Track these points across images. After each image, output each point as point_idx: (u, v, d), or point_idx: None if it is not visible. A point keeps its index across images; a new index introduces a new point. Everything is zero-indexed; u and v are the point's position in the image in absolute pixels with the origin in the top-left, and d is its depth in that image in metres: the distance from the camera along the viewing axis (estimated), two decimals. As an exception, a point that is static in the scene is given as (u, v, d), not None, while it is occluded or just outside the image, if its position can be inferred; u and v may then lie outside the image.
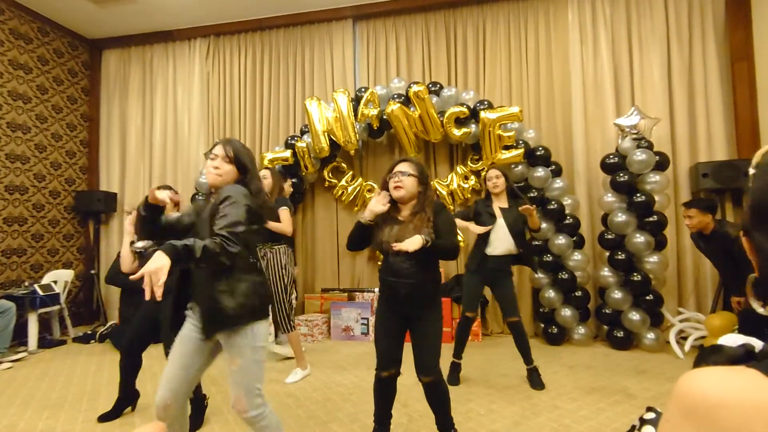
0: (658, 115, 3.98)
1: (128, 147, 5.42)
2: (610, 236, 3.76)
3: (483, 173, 3.00)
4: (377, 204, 1.89)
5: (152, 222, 1.54)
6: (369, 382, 2.57)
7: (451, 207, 4.47)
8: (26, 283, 4.39)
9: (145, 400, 2.67)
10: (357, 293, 4.49)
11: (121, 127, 5.48)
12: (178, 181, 5.09)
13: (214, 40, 5.24)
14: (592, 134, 4.27)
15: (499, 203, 2.92)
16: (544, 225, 3.87)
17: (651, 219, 3.63)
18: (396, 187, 1.90)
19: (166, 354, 1.58)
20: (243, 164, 1.58)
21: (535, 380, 2.84)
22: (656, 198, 3.62)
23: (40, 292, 4.17)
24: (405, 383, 2.71)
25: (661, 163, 3.69)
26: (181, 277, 1.57)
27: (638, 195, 3.62)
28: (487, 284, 2.97)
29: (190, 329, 1.54)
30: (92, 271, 5.16)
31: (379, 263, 2.17)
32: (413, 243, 1.73)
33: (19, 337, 3.98)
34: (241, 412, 1.48)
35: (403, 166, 1.93)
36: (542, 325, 3.99)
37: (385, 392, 1.99)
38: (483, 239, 2.86)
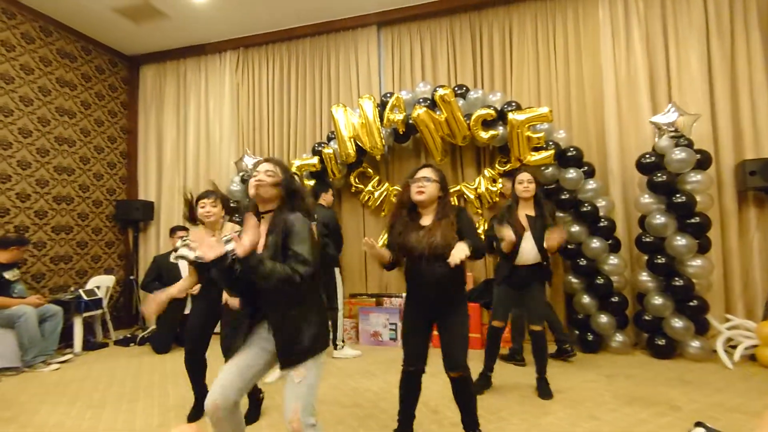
0: (698, 112, 3.79)
1: (164, 157, 5.64)
2: (648, 239, 3.60)
3: (516, 174, 2.92)
4: (375, 253, 1.94)
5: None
6: (398, 388, 2.55)
7: (479, 210, 4.41)
8: (72, 289, 4.64)
9: (175, 401, 2.74)
10: (385, 298, 4.48)
11: (158, 138, 5.72)
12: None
13: (243, 51, 5.40)
14: (627, 133, 4.11)
15: (526, 210, 2.85)
16: (576, 228, 3.75)
17: (693, 221, 3.45)
18: (419, 192, 1.96)
19: (226, 359, 1.61)
20: (290, 184, 1.61)
21: (544, 389, 2.75)
22: (698, 198, 3.44)
23: (85, 297, 4.39)
24: (435, 388, 2.68)
25: (703, 162, 3.51)
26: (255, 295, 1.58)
27: (678, 195, 3.45)
28: (518, 293, 2.88)
29: (257, 336, 1.57)
30: (131, 277, 5.39)
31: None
32: (463, 251, 1.78)
33: (66, 339, 4.19)
34: (297, 429, 1.45)
35: (426, 172, 2.00)
36: (577, 332, 3.85)
37: (410, 386, 2.05)
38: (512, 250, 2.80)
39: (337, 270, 3.92)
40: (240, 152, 5.16)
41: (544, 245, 2.75)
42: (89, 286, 4.73)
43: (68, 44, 5.00)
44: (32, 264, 4.54)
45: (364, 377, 3.24)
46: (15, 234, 4.28)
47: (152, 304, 2.08)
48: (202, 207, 2.43)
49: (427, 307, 1.99)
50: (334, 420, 2.48)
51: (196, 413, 2.53)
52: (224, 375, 1.50)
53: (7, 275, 3.81)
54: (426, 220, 1.98)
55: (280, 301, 1.50)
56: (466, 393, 1.99)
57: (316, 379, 1.52)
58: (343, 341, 3.89)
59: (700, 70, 3.92)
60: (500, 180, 4.20)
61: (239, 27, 5.13)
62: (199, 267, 2.39)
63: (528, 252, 2.77)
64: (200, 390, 2.54)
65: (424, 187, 1.96)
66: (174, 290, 2.26)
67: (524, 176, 2.85)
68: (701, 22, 3.97)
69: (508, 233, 2.67)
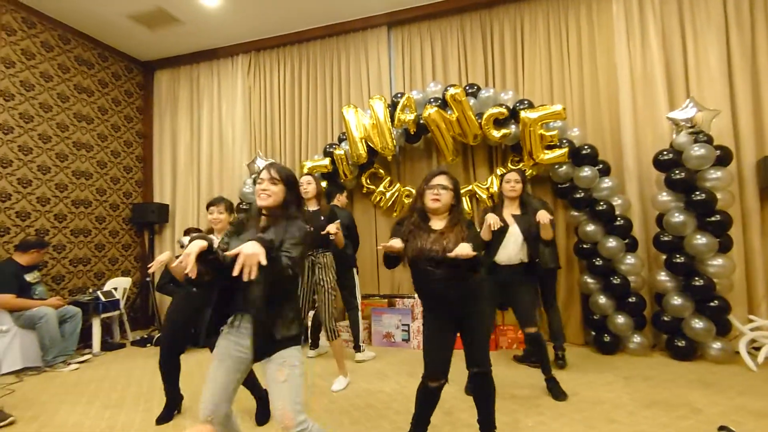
0: (718, 107, 3.69)
1: (178, 160, 5.73)
2: (666, 238, 3.51)
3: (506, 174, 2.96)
4: (389, 247, 1.90)
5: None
6: (411, 389, 2.54)
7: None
8: (90, 290, 4.73)
9: (189, 401, 2.77)
10: (397, 299, 4.46)
11: (172, 142, 5.80)
12: (224, 191, 5.31)
13: (255, 55, 5.45)
14: (643, 130, 4.02)
15: (512, 210, 2.86)
16: (592, 227, 3.69)
17: (713, 219, 3.35)
18: (434, 200, 1.96)
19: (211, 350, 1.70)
20: (291, 184, 1.67)
21: (556, 390, 2.70)
22: (718, 196, 3.35)
23: (103, 298, 4.48)
24: (448, 389, 2.65)
25: (723, 158, 3.41)
26: (223, 292, 1.61)
27: (697, 193, 3.36)
28: (501, 293, 2.80)
29: (228, 347, 1.60)
30: (147, 279, 5.48)
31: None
32: (466, 248, 1.75)
33: (84, 340, 4.28)
34: (288, 426, 1.49)
35: (442, 179, 1.99)
36: (593, 333, 3.78)
37: (429, 401, 2.02)
38: (493, 247, 2.77)
39: (354, 270, 3.93)
40: (252, 154, 5.21)
41: (542, 235, 2.74)
42: (107, 287, 4.83)
43: (85, 51, 5.11)
44: (52, 266, 4.65)
45: (377, 378, 3.23)
46: (35, 237, 4.38)
47: (156, 263, 2.15)
48: (211, 214, 2.54)
49: (447, 313, 1.94)
50: (348, 421, 2.48)
51: (166, 415, 2.59)
52: (210, 390, 1.56)
53: (28, 278, 3.91)
54: (437, 225, 1.97)
55: (260, 296, 1.53)
56: (487, 389, 1.98)
57: (300, 378, 1.56)
58: (363, 343, 3.88)
59: (719, 64, 3.82)
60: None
61: (250, 31, 5.18)
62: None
63: (510, 250, 2.75)
64: (173, 392, 2.60)
65: (440, 195, 1.96)
66: (165, 257, 2.27)
67: (512, 176, 2.89)
68: (720, 15, 3.87)
69: (492, 216, 2.67)
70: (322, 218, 3.14)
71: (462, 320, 1.95)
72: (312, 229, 1.64)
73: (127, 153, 5.61)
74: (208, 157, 5.56)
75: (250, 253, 1.31)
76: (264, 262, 1.31)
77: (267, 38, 5.31)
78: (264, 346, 1.56)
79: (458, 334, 1.97)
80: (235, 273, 1.31)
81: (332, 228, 3.02)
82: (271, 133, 5.33)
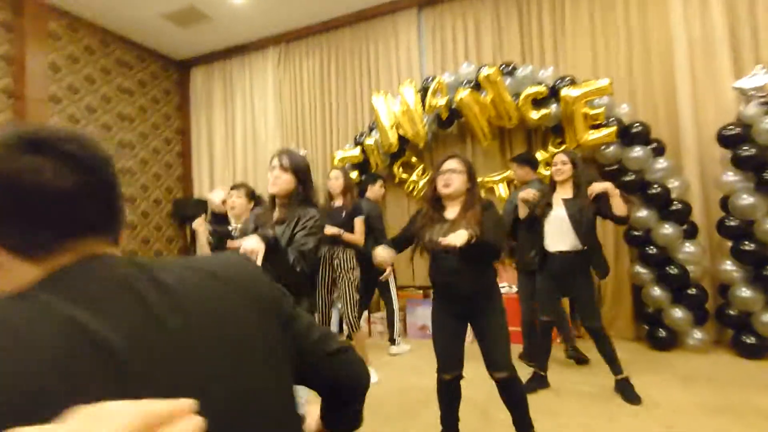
0: (795, 72, 3.22)
1: (215, 155, 5.86)
2: (732, 223, 3.15)
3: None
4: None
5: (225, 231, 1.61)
6: None
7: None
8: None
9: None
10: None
11: (208, 137, 5.94)
12: (258, 183, 5.35)
13: (284, 47, 5.42)
14: (704, 102, 3.61)
15: (563, 193, 2.64)
16: (644, 213, 3.37)
17: (790, 200, 2.96)
18: (445, 185, 1.86)
19: None
20: (300, 171, 1.65)
21: (628, 392, 2.47)
22: (796, 174, 2.94)
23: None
24: (484, 388, 2.52)
25: (802, 131, 2.98)
26: None
27: (770, 171, 2.97)
28: (558, 286, 2.64)
29: None
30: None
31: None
32: (459, 237, 1.63)
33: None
34: None
35: (452, 163, 1.89)
36: (646, 328, 3.48)
37: (448, 395, 1.95)
38: (539, 234, 2.62)
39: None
40: (284, 146, 5.21)
41: (615, 211, 2.49)
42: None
43: (125, 54, 5.29)
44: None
45: (411, 373, 3.15)
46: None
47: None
48: (230, 197, 2.65)
49: (457, 306, 1.86)
50: (382, 418, 2.41)
51: None
52: None
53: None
54: (451, 213, 1.87)
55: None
56: (515, 394, 1.86)
57: None
58: (399, 336, 3.80)
59: (797, 22, 3.34)
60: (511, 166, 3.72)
61: (279, 23, 5.14)
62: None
63: (559, 235, 2.56)
64: None
65: (451, 180, 1.85)
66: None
67: (558, 158, 2.68)
68: (798, -35, 3.37)
69: (528, 191, 2.49)
70: (344, 214, 3.06)
71: (474, 319, 1.86)
72: (317, 219, 1.59)
73: (167, 150, 5.80)
74: (243, 151, 5.64)
75: (249, 249, 1.30)
76: (260, 259, 1.28)
77: (295, 29, 5.26)
78: None
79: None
80: None
81: (328, 230, 2.90)
82: (302, 124, 5.31)
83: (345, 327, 3.88)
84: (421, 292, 4.42)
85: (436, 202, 1.92)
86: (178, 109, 6.02)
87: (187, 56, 5.92)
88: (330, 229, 2.94)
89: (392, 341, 3.73)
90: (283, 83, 5.44)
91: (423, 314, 4.17)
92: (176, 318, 0.48)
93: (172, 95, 5.94)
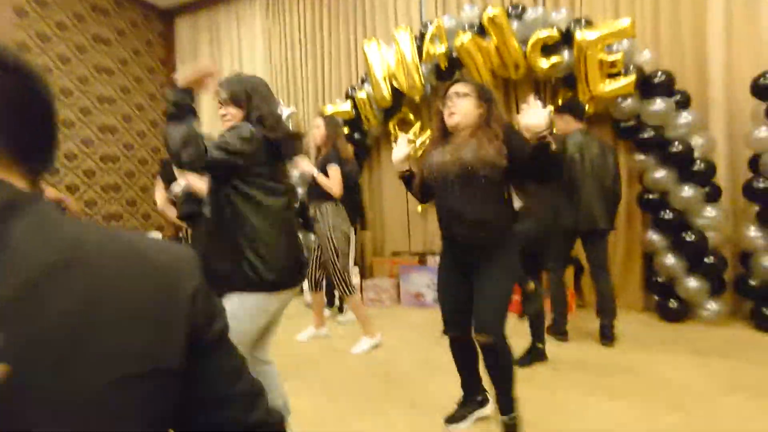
0: None
1: (202, 110, 5.51)
2: (761, 185, 2.81)
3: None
4: (396, 152, 1.74)
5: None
6: (437, 358, 2.23)
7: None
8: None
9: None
10: (429, 256, 4.11)
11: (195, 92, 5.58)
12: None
13: (274, -7, 4.97)
14: (738, 50, 3.18)
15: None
16: (661, 173, 3.03)
17: (831, 158, 2.60)
18: (450, 114, 1.56)
19: None
20: (238, 98, 1.48)
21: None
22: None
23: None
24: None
25: None
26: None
27: (812, 125, 2.60)
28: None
29: None
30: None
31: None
32: (539, 116, 1.39)
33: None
34: None
35: (457, 87, 1.59)
36: (657, 298, 3.22)
37: (458, 355, 1.79)
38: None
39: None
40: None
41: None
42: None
43: (100, -1, 4.87)
44: (86, 222, 4.71)
45: (401, 343, 2.95)
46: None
47: None
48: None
49: (460, 253, 1.63)
50: (362, 394, 2.21)
51: None
52: None
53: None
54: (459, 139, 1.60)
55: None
56: (497, 364, 1.61)
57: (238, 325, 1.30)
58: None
59: None
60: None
61: (266, -38, 4.67)
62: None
63: None
64: None
65: (455, 105, 1.56)
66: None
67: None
68: None
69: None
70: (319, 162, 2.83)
71: (476, 267, 1.60)
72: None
73: (152, 106, 5.47)
74: (231, 108, 5.30)
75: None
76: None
77: (284, -29, 4.79)
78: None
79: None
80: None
81: (301, 166, 2.77)
82: (293, 77, 4.94)
83: (336, 293, 3.69)
84: (416, 258, 4.18)
85: (444, 137, 1.64)
86: (163, 63, 5.64)
87: (171, 4, 5.47)
88: (302, 165, 2.74)
89: (339, 309, 3.61)
90: (273, 34, 5.02)
91: (418, 281, 3.95)
92: None
93: (155, 47, 5.54)
